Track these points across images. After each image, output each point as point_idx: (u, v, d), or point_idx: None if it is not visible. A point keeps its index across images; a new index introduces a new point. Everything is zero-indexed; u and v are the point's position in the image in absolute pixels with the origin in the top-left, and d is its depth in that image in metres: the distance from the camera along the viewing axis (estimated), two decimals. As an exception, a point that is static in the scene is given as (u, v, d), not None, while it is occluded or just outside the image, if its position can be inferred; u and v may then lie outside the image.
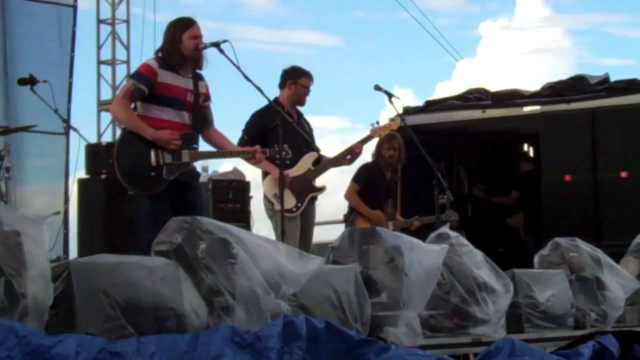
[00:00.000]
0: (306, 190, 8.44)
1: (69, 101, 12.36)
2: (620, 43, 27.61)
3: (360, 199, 9.67)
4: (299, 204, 8.38)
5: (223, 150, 7.40)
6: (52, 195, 12.32)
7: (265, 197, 8.36)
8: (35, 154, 12.12)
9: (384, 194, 9.85)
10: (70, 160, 11.77)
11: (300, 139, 8.39)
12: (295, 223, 8.34)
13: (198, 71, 7.30)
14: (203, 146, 7.34)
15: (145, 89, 6.97)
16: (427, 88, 30.25)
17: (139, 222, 7.14)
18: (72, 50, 12.93)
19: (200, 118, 7.27)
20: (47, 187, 12.47)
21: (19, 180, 11.09)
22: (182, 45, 7.08)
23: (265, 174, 8.35)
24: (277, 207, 8.09)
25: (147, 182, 6.97)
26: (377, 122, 9.00)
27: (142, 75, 7.02)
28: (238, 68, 7.12)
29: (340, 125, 26.74)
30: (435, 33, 16.88)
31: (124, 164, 6.96)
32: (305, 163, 8.47)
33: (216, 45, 7.15)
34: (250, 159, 7.46)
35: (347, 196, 9.82)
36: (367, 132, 8.96)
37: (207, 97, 7.37)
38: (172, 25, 7.22)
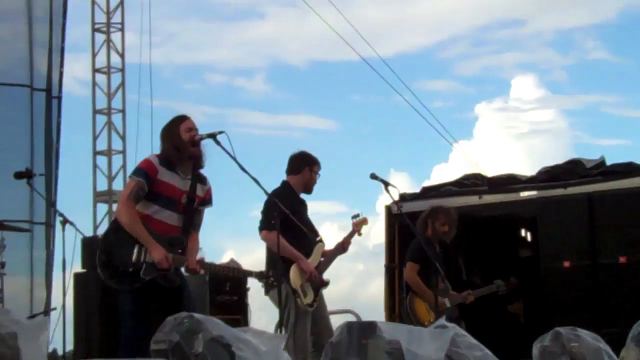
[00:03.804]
0: (319, 284, 8.38)
1: (55, 193, 12.35)
2: (617, 123, 27.83)
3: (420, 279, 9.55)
4: (315, 298, 8.32)
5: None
6: (48, 288, 12.24)
7: (292, 288, 8.17)
8: (30, 245, 12.07)
9: (437, 269, 9.66)
10: (67, 254, 11.70)
11: (309, 226, 8.40)
12: (309, 317, 8.26)
13: (201, 173, 7.27)
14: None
15: (146, 186, 6.93)
16: (423, 171, 30.37)
17: (121, 317, 7.02)
18: (58, 141, 12.93)
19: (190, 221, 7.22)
20: (43, 279, 12.41)
21: (14, 272, 11.02)
22: (179, 141, 7.05)
23: (284, 261, 8.10)
24: (305, 300, 8.08)
25: (122, 277, 6.87)
26: (358, 216, 8.96)
27: (143, 171, 6.98)
28: (234, 159, 7.01)
29: (337, 210, 26.75)
30: (431, 117, 16.88)
31: (104, 254, 6.88)
32: (317, 255, 8.44)
33: (212, 136, 7.09)
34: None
35: (408, 277, 9.69)
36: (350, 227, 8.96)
37: (205, 202, 7.30)
38: (165, 127, 7.22)
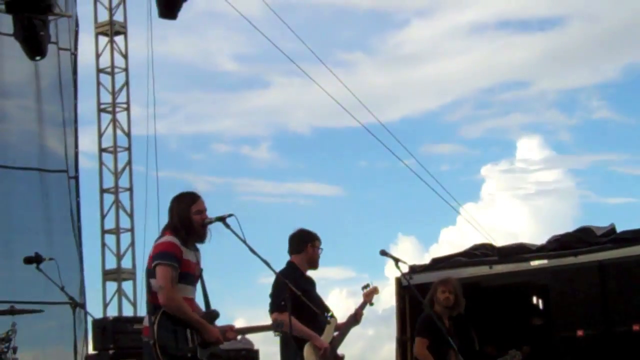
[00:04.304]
0: None
1: (82, 271, 12.45)
2: (624, 181, 27.78)
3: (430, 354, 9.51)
4: None
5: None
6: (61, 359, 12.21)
7: None
8: (44, 317, 12.06)
9: (447, 343, 9.27)
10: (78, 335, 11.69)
11: (319, 303, 8.37)
12: None
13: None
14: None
15: (179, 268, 6.93)
16: (431, 234, 30.30)
17: None
18: (79, 220, 13.05)
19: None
20: (56, 350, 12.39)
21: (28, 344, 10.97)
22: (190, 223, 7.05)
23: (297, 340, 7.98)
24: None
25: None
26: (368, 285, 8.93)
27: (174, 255, 6.92)
28: (244, 242, 6.92)
29: (345, 276, 26.66)
30: (436, 183, 16.82)
31: (167, 347, 6.75)
32: (329, 332, 8.39)
33: (222, 219, 7.04)
34: None
35: (417, 353, 9.63)
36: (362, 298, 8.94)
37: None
38: (176, 201, 7.17)
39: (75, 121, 14.44)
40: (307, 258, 8.57)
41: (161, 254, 6.98)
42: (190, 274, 7.03)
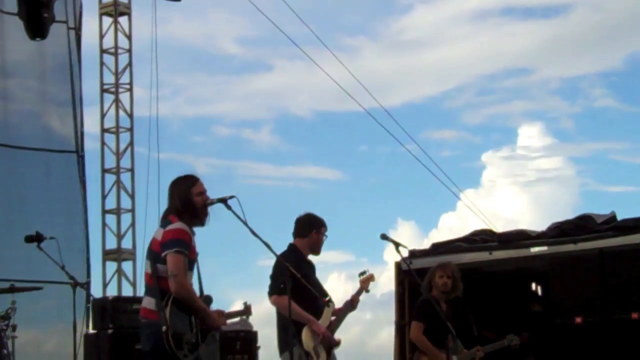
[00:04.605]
0: (330, 344, 8.37)
1: (88, 250, 12.52)
2: (625, 170, 27.73)
3: (427, 338, 9.53)
4: (328, 359, 8.32)
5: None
6: (60, 338, 12.23)
7: (304, 351, 8.16)
8: (44, 296, 12.11)
9: (445, 327, 9.08)
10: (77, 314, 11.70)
11: (318, 287, 8.39)
12: None
13: None
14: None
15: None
16: (431, 220, 30.21)
17: None
18: (85, 199, 13.11)
19: None
20: (55, 329, 12.42)
21: (28, 322, 11.00)
22: (193, 207, 7.03)
23: (296, 324, 7.93)
24: None
25: (191, 348, 6.84)
26: (364, 272, 8.95)
27: (186, 244, 6.90)
28: (245, 224, 6.91)
29: (344, 260, 26.64)
30: (436, 168, 16.83)
31: (178, 334, 6.76)
32: (327, 316, 8.43)
33: (223, 201, 7.01)
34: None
35: (413, 336, 9.66)
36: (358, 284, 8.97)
37: None
38: (176, 184, 7.14)
39: (81, 102, 14.48)
40: (311, 243, 8.59)
41: (174, 241, 6.89)
42: (193, 261, 7.01)
